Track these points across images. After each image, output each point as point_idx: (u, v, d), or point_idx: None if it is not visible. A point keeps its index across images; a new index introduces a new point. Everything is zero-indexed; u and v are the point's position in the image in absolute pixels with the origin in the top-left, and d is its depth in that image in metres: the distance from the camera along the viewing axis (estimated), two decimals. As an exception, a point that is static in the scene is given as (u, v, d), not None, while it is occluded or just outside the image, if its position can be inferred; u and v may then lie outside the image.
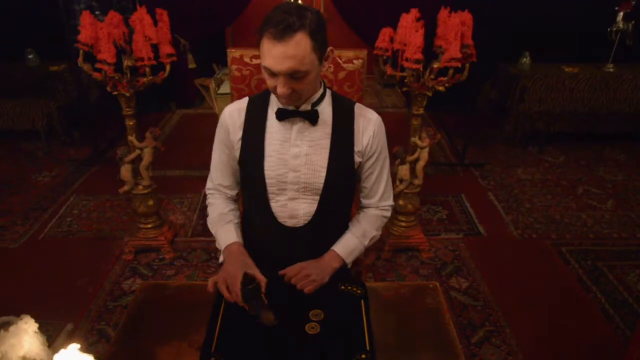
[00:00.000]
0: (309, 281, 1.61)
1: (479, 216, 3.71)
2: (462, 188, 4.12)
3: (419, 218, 3.58)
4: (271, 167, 1.64)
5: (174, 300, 1.66)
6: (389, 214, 1.82)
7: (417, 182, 3.04)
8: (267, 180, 1.65)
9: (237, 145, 1.67)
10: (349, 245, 1.75)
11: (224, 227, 1.74)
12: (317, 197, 1.67)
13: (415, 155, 2.97)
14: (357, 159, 1.67)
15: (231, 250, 1.67)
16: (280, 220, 1.70)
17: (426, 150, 2.95)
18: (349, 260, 1.74)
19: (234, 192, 1.82)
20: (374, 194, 1.77)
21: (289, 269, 1.64)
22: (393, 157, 2.97)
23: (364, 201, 1.81)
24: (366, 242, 1.78)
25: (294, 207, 1.69)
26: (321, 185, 1.64)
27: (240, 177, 1.76)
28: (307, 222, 1.70)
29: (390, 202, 1.81)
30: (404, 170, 3.01)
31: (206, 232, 3.43)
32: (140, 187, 3.05)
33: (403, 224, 3.23)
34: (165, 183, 4.00)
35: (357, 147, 1.65)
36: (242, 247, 1.69)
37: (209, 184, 1.83)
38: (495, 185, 4.16)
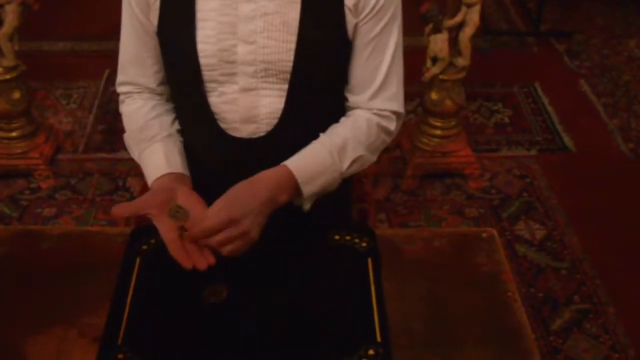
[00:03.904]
0: (229, 239, 1.53)
1: (564, 120, 3.73)
2: (537, 73, 4.13)
3: (464, 123, 3.62)
4: (208, 37, 1.65)
5: (55, 259, 1.66)
6: (392, 126, 1.78)
7: (460, 61, 3.07)
8: (202, 61, 1.66)
9: (155, 5, 1.68)
10: (311, 159, 1.71)
11: (148, 150, 1.77)
12: (286, 87, 1.68)
13: (459, 18, 2.97)
14: (350, 17, 1.67)
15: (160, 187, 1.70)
16: (225, 126, 1.73)
17: (476, 9, 2.94)
18: (308, 189, 1.69)
19: (160, 87, 1.84)
20: (364, 85, 1.75)
21: (198, 219, 1.56)
22: (422, 19, 2.99)
23: (351, 98, 1.78)
24: (344, 164, 1.73)
25: (250, 103, 1.69)
26: (290, 65, 1.65)
27: (163, 59, 1.78)
28: (270, 129, 1.72)
29: (397, 107, 1.78)
30: (439, 43, 3.02)
31: (109, 144, 3.45)
32: (0, 69, 3.06)
33: (438, 132, 3.27)
34: (41, 63, 3.98)
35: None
36: (179, 176, 1.70)
37: (120, 78, 1.85)
38: (592, 69, 4.17)
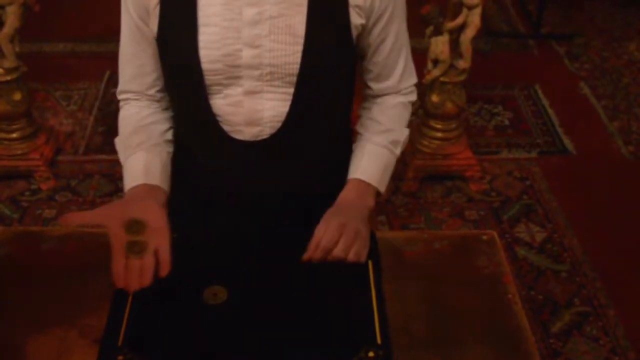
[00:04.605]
0: (349, 242, 1.60)
1: (564, 122, 3.73)
2: (537, 75, 4.13)
3: (465, 125, 3.62)
4: (211, 43, 1.63)
5: (55, 260, 1.65)
6: (414, 97, 1.90)
7: (461, 64, 3.07)
8: (205, 66, 1.64)
9: (155, 11, 1.66)
10: (374, 161, 1.82)
11: (131, 157, 1.77)
12: (291, 90, 1.67)
13: (460, 20, 2.97)
14: (357, 19, 1.67)
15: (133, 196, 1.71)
16: (228, 129, 1.72)
17: (477, 11, 2.94)
18: (383, 187, 1.84)
19: (159, 94, 1.84)
20: (389, 71, 1.81)
21: (312, 242, 1.61)
22: (422, 21, 3.01)
23: (377, 86, 1.84)
24: (398, 151, 1.87)
25: (254, 106, 1.68)
26: (296, 69, 1.64)
27: (162, 65, 1.77)
28: (274, 131, 1.71)
29: (414, 79, 1.89)
30: (440, 45, 3.02)
31: (109, 145, 3.44)
32: (0, 70, 3.07)
33: (438, 134, 3.27)
34: (41, 64, 4.00)
35: (356, 0, 1.66)
36: (153, 188, 1.69)
37: (120, 86, 1.85)
38: (592, 71, 4.16)
